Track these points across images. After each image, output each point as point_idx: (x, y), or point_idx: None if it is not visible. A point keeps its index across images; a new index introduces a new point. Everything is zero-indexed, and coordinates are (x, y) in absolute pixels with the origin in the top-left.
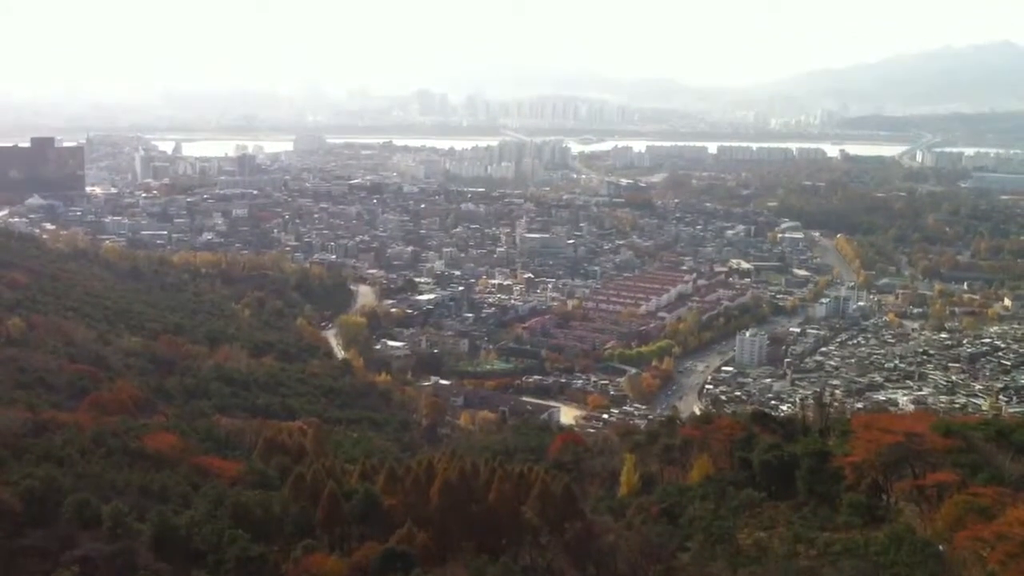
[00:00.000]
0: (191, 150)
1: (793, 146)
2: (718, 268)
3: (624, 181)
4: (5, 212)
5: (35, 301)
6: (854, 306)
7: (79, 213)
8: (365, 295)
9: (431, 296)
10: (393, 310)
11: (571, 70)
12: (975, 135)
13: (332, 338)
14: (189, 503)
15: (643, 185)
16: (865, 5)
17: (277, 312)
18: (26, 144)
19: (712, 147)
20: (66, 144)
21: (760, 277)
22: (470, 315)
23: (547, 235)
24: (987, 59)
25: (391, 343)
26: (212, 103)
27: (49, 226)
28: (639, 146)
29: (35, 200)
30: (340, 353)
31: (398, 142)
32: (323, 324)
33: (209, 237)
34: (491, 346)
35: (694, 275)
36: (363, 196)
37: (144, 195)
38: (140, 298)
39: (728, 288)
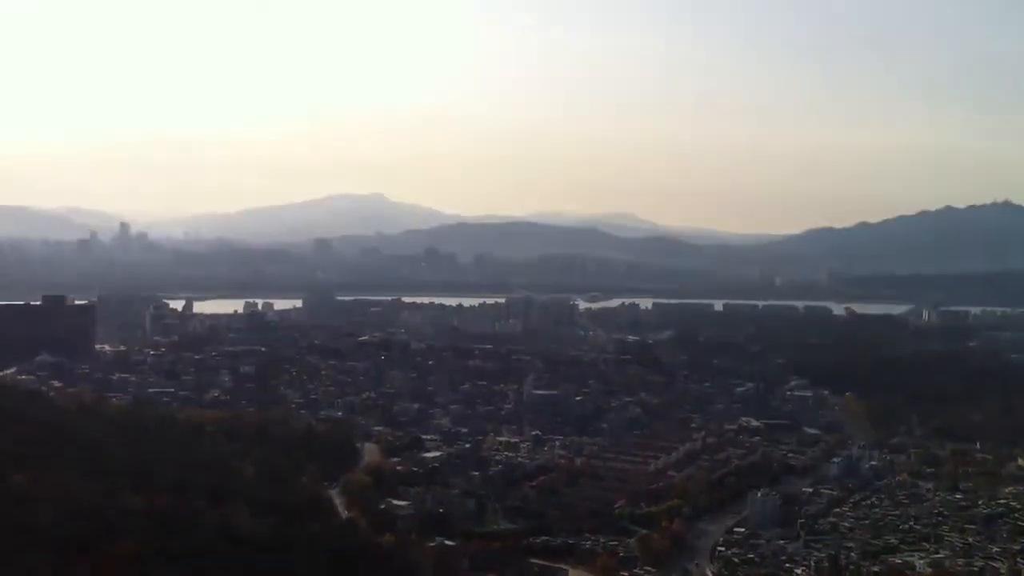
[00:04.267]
0: (202, 307)
1: (799, 304)
2: (727, 426)
3: (631, 338)
4: (14, 370)
5: (39, 457)
6: (867, 466)
7: (87, 370)
8: (371, 452)
9: (437, 454)
10: (399, 468)
11: (578, 229)
12: (980, 294)
13: (336, 496)
14: None
15: (650, 342)
16: (865, 167)
17: (281, 470)
18: (37, 302)
19: (718, 304)
20: (77, 302)
21: (770, 435)
22: (477, 473)
23: (555, 392)
24: (988, 219)
25: (396, 502)
26: (223, 261)
27: (56, 383)
28: (646, 303)
29: (44, 358)
30: (344, 512)
31: (406, 299)
32: (327, 483)
33: (216, 394)
34: (498, 505)
35: (703, 433)
36: (371, 353)
37: (152, 352)
38: (144, 455)
39: (738, 446)
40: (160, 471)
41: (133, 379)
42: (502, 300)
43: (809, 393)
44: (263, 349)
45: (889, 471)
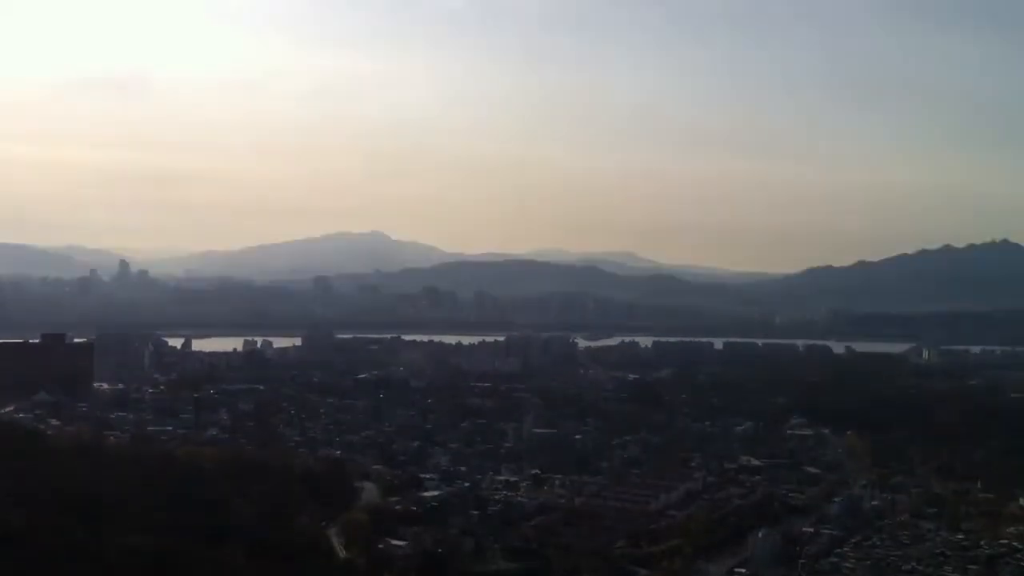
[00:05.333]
0: (201, 345)
1: (799, 342)
2: (728, 465)
3: (631, 376)
4: (12, 408)
5: (36, 497)
6: (868, 505)
7: (85, 409)
8: (369, 491)
9: (436, 493)
10: (397, 507)
11: (577, 267)
12: (980, 333)
13: (335, 536)
14: None
15: (650, 380)
16: (864, 206)
17: (280, 509)
18: (36, 340)
19: (718, 343)
20: (76, 340)
21: (771, 474)
22: (476, 512)
23: (554, 430)
24: (987, 258)
25: (394, 541)
26: (223, 299)
27: (55, 422)
28: (646, 341)
29: (42, 396)
30: (342, 552)
31: (406, 337)
32: (325, 522)
33: (214, 433)
34: (497, 545)
35: (703, 472)
36: (370, 391)
37: (151, 390)
38: (142, 494)
39: (738, 485)
40: (158, 510)
41: (131, 417)
42: (502, 338)
43: (810, 432)
44: (262, 387)
45: (891, 511)
